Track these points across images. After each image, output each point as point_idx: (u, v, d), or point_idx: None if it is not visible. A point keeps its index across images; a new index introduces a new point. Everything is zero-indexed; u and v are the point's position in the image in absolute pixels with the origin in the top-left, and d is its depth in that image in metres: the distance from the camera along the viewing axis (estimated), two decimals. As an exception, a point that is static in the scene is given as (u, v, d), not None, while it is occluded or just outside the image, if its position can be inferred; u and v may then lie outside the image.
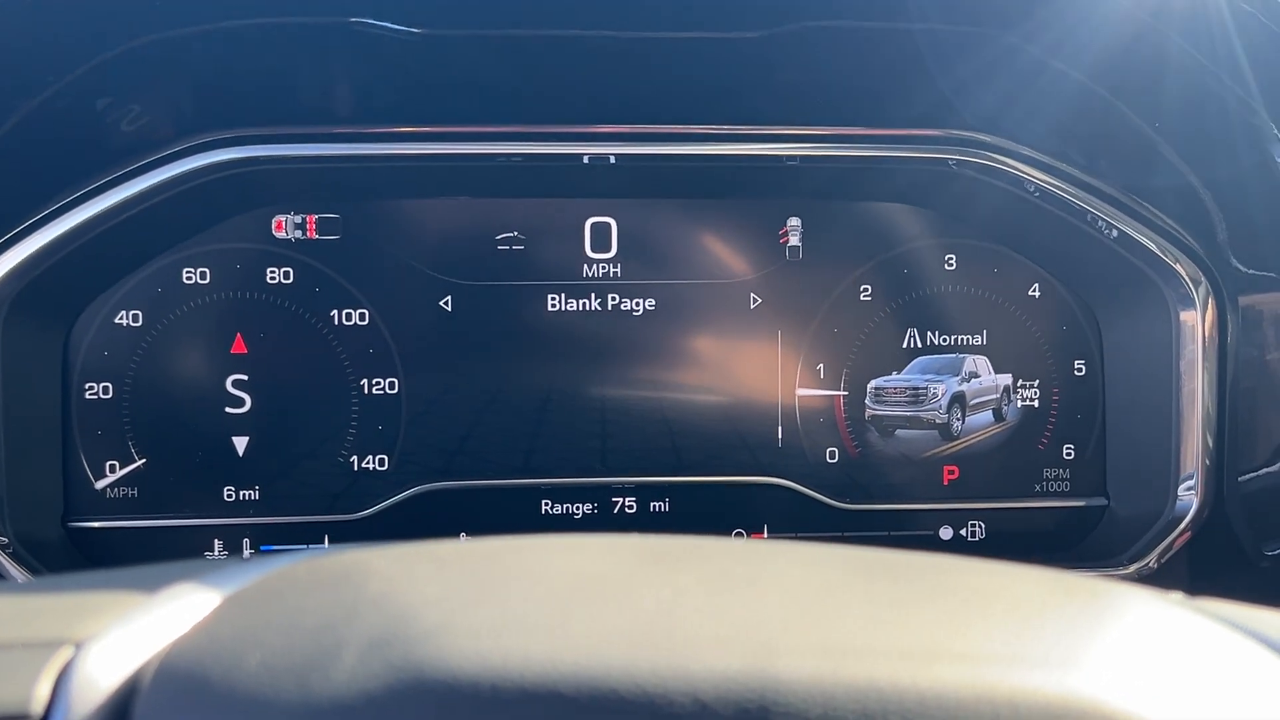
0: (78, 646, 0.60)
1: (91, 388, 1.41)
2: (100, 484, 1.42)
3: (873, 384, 1.52)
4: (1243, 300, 1.38)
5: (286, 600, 0.64)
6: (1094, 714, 0.54)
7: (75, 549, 1.40)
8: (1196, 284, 1.39)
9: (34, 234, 1.30)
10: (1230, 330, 1.39)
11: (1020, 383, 1.53)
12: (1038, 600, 0.66)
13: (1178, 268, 1.40)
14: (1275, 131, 1.30)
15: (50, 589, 0.71)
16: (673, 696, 0.53)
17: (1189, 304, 1.40)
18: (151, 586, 0.68)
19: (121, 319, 1.42)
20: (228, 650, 0.59)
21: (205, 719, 0.56)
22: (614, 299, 1.48)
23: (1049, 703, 0.54)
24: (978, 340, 1.52)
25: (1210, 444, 1.41)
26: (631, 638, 0.56)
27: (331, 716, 0.54)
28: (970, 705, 0.54)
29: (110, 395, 1.42)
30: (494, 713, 0.53)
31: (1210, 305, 1.39)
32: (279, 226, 1.44)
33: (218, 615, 0.63)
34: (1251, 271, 1.38)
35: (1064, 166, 1.41)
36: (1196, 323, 1.40)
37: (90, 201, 1.31)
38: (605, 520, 1.47)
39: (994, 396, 1.54)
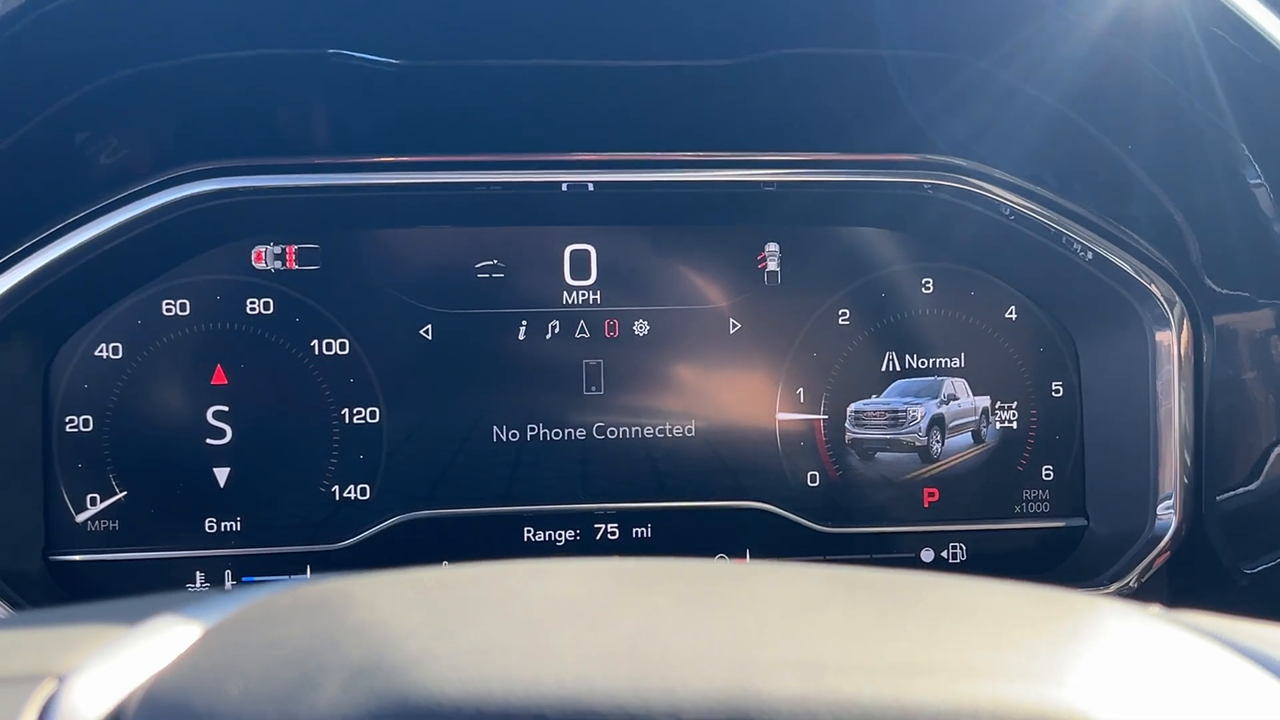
0: (60, 680, 0.59)
1: (72, 420, 1.41)
2: (81, 517, 1.41)
3: (852, 407, 1.53)
4: (1217, 320, 1.39)
5: (268, 630, 0.63)
6: (1070, 724, 0.54)
7: (56, 582, 1.39)
8: (1171, 304, 1.41)
9: (14, 267, 1.30)
10: (1205, 350, 1.40)
11: (998, 404, 1.54)
12: (1017, 614, 0.66)
13: (1153, 288, 1.41)
14: (1247, 153, 1.31)
15: (31, 623, 0.70)
16: (656, 715, 0.53)
17: (1164, 324, 1.41)
18: (133, 619, 0.67)
19: (102, 351, 1.41)
20: (210, 680, 0.58)
21: (189, 749, 0.56)
22: (594, 326, 1.48)
23: (1029, 715, 0.54)
24: (956, 363, 1.53)
25: (1188, 463, 1.41)
26: (613, 659, 0.56)
27: (315, 745, 0.54)
28: (950, 717, 0.54)
29: (91, 428, 1.41)
30: (479, 738, 0.53)
31: (1185, 325, 1.40)
32: (259, 257, 1.44)
33: (199, 646, 0.63)
34: (1226, 291, 1.39)
35: (1039, 190, 1.42)
36: (1172, 343, 1.41)
37: (70, 234, 1.32)
38: (588, 547, 1.47)
39: (973, 419, 1.54)
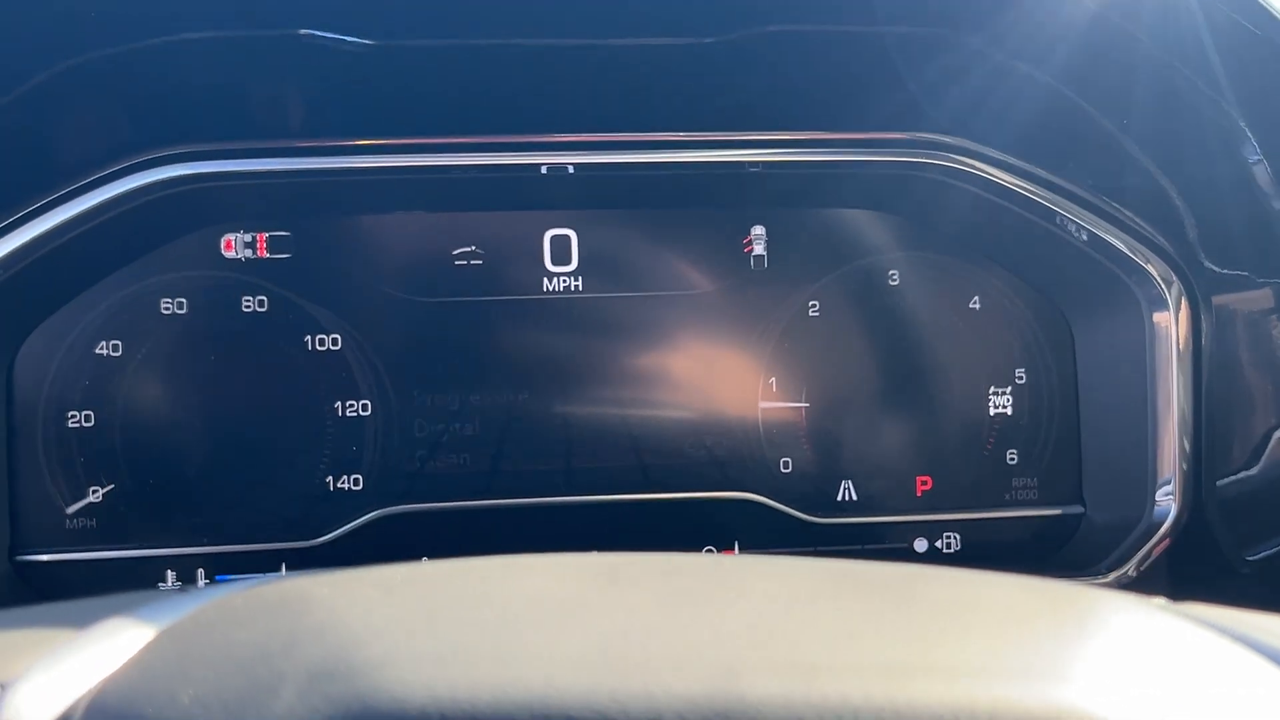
0: (4, 686, 0.57)
1: (38, 417, 1.37)
2: (50, 516, 1.38)
3: (842, 394, 1.50)
4: (1215, 300, 1.37)
5: (223, 633, 0.61)
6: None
7: (23, 583, 1.35)
8: (1168, 284, 1.38)
9: (-26, 258, 1.27)
10: (1204, 330, 1.37)
11: (993, 390, 1.50)
12: (1016, 609, 0.64)
13: (1149, 268, 1.38)
14: (1246, 130, 1.28)
15: (-23, 626, 0.67)
16: (634, 721, 0.50)
17: (1161, 305, 1.38)
18: (83, 622, 0.65)
19: (67, 345, 1.38)
20: (160, 687, 0.56)
21: (136, 760, 0.53)
22: (575, 313, 1.45)
23: (1027, 714, 0.52)
24: (948, 347, 1.50)
25: (1187, 448, 1.39)
26: (587, 662, 0.54)
27: (269, 756, 0.51)
28: (948, 719, 0.51)
29: (58, 424, 1.38)
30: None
31: (1183, 305, 1.38)
32: (229, 246, 1.40)
33: (150, 650, 0.60)
34: (1223, 271, 1.36)
35: (1032, 169, 1.39)
36: (1170, 324, 1.38)
37: (33, 223, 1.28)
38: (572, 540, 1.44)
39: (966, 404, 1.51)
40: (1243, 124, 1.28)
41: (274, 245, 1.41)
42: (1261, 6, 1.18)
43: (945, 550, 1.49)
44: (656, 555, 0.72)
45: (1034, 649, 0.57)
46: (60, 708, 0.57)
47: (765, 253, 1.47)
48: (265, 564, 1.40)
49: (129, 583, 1.37)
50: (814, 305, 1.48)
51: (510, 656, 0.54)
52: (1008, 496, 1.51)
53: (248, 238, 1.40)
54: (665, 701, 0.51)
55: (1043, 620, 0.62)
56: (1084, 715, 0.52)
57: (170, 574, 1.39)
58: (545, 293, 1.44)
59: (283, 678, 0.54)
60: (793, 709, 0.51)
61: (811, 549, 1.46)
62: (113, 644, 0.61)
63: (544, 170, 1.37)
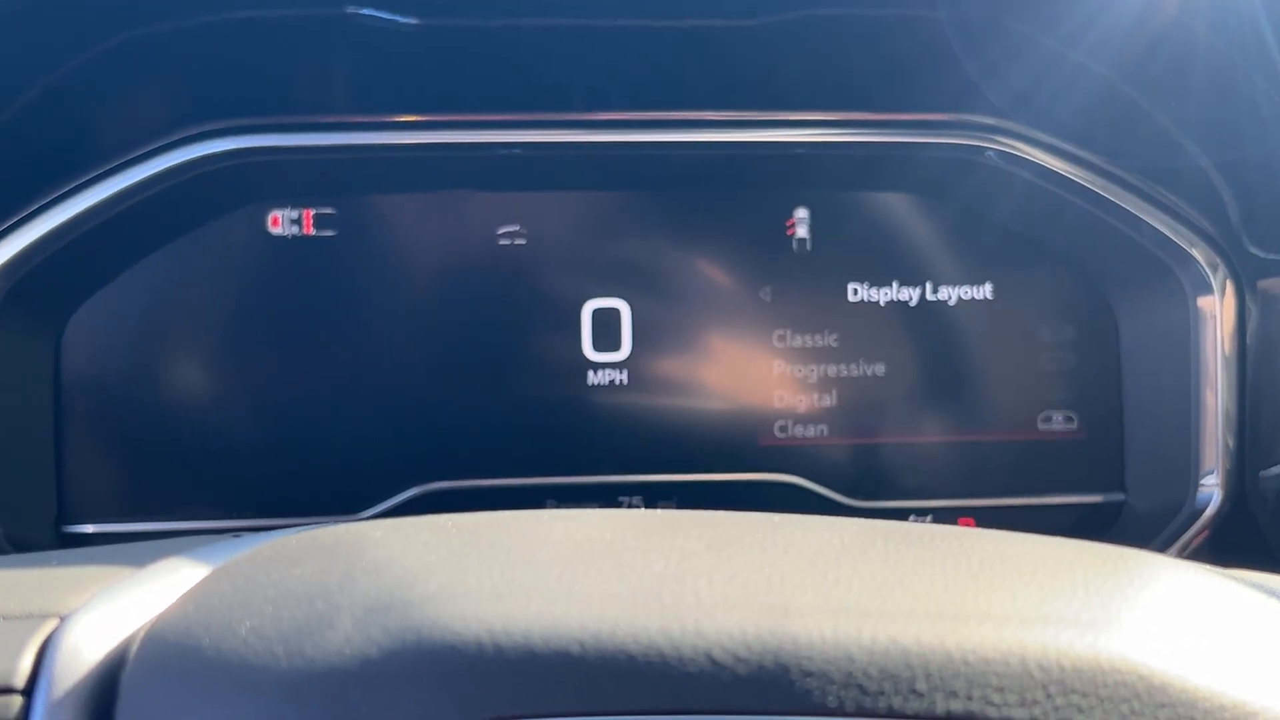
0: (62, 619, 0.59)
1: (84, 389, 1.39)
2: (95, 488, 1.39)
3: (883, 377, 1.50)
4: (1260, 285, 1.36)
5: (279, 570, 0.62)
6: (1125, 673, 0.52)
7: (68, 553, 1.37)
8: (1213, 268, 1.37)
9: (21, 230, 1.28)
10: (1250, 316, 1.36)
11: (1035, 375, 1.49)
12: (1064, 564, 0.64)
13: (1193, 252, 1.37)
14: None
15: (36, 564, 0.69)
16: (686, 656, 0.51)
17: (1206, 289, 1.37)
18: (140, 560, 0.66)
19: (115, 319, 1.39)
20: (217, 619, 0.57)
21: (194, 688, 0.54)
22: (618, 292, 1.45)
23: (1079, 662, 0.52)
24: (990, 332, 1.49)
25: (1230, 435, 1.37)
26: (640, 599, 0.54)
27: (327, 683, 0.52)
28: (999, 665, 0.52)
29: (105, 396, 1.39)
30: (498, 677, 0.50)
31: (1228, 289, 1.37)
32: (275, 222, 1.41)
33: (207, 585, 0.61)
34: (1268, 255, 1.35)
35: (1079, 152, 1.38)
36: (1214, 309, 1.37)
37: (80, 196, 1.29)
38: (611, 520, 1.44)
39: (1007, 389, 1.51)
40: (1290, 112, 1.27)
41: (320, 223, 1.42)
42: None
43: (986, 535, 1.49)
44: (705, 512, 0.72)
45: (1083, 601, 0.58)
46: (118, 638, 0.58)
47: (809, 235, 1.47)
48: (306, 538, 1.41)
49: (172, 554, 1.38)
50: (855, 289, 1.48)
51: (564, 593, 0.55)
52: (1049, 482, 1.50)
53: (294, 214, 1.41)
54: (716, 638, 0.51)
55: (1093, 575, 0.62)
56: (1131, 663, 0.52)
57: (213, 546, 1.40)
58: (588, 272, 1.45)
59: (339, 610, 0.55)
60: (843, 650, 0.51)
61: (850, 531, 1.45)
62: (171, 580, 0.62)
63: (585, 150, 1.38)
